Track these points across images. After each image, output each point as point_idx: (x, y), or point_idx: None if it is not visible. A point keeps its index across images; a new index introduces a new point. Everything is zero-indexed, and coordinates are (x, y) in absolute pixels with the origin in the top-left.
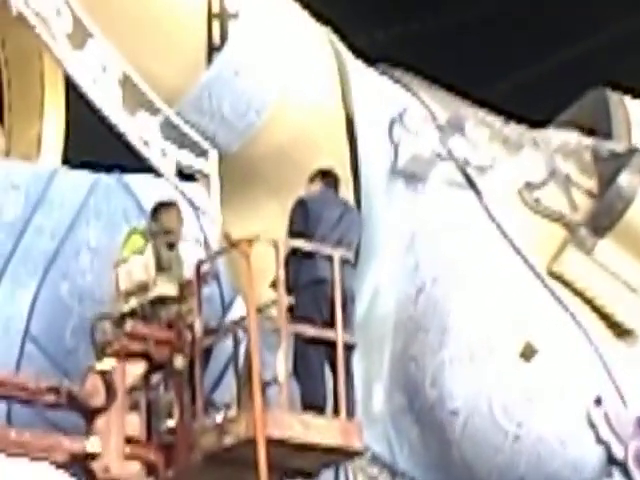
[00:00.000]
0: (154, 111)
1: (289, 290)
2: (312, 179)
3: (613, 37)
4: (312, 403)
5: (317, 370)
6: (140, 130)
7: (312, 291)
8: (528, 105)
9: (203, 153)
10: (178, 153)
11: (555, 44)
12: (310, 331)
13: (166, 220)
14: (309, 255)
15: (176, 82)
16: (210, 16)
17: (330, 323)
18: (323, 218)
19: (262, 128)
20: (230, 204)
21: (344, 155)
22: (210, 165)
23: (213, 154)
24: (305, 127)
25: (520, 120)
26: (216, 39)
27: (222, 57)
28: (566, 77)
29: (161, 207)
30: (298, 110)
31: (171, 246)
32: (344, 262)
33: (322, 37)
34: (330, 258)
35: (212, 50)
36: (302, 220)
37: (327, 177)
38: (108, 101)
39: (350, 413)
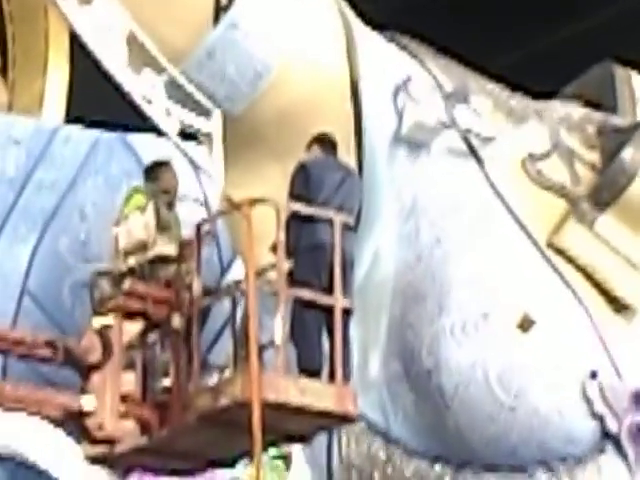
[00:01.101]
0: (159, 70)
1: (289, 254)
2: (309, 145)
3: (622, 11)
4: (308, 367)
5: (314, 334)
6: (144, 89)
7: (312, 256)
8: (534, 77)
9: (207, 114)
10: (182, 113)
11: (564, 17)
12: (308, 295)
13: (165, 179)
14: (310, 219)
15: (182, 41)
16: None
17: (329, 288)
18: (325, 182)
19: (266, 91)
20: (232, 166)
21: (348, 120)
22: (213, 126)
23: (217, 115)
24: (310, 91)
25: (525, 92)
26: None
27: (228, 17)
28: (573, 50)
29: (158, 166)
30: (303, 74)
31: (170, 205)
32: (345, 227)
33: (329, 1)
34: (331, 223)
35: (219, 10)
36: (303, 184)
37: (324, 143)
38: (113, 58)
39: (346, 378)
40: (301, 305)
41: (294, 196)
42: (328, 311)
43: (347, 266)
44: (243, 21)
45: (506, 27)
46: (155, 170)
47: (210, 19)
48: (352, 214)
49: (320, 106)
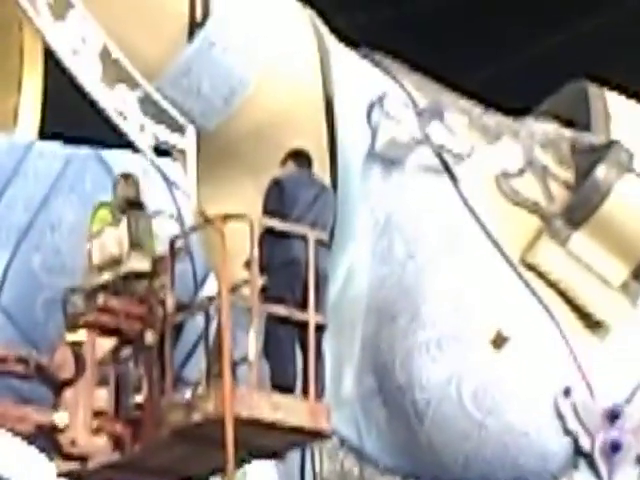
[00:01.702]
0: (133, 85)
1: (262, 270)
2: (284, 161)
3: (597, 27)
4: (281, 383)
5: (288, 350)
6: (118, 104)
7: (285, 271)
8: (508, 94)
9: (181, 130)
10: (156, 128)
11: (537, 33)
12: (282, 311)
13: (122, 190)
14: (284, 235)
15: (156, 57)
16: None
17: (302, 304)
18: (299, 198)
19: (241, 107)
20: (207, 182)
21: (322, 136)
22: (187, 142)
23: (191, 131)
24: (284, 107)
25: (499, 109)
26: (198, 15)
27: (203, 33)
28: (547, 67)
29: (119, 179)
30: (278, 90)
31: (138, 221)
32: (319, 243)
33: (304, 17)
34: (305, 239)
35: (194, 26)
36: (277, 200)
37: (299, 158)
38: (87, 73)
39: (319, 395)
40: (275, 321)
41: (268, 212)
42: (302, 327)
43: (321, 282)
44: (218, 37)
45: (479, 43)
46: (117, 183)
47: (185, 35)
48: (326, 230)
49: (295, 122)
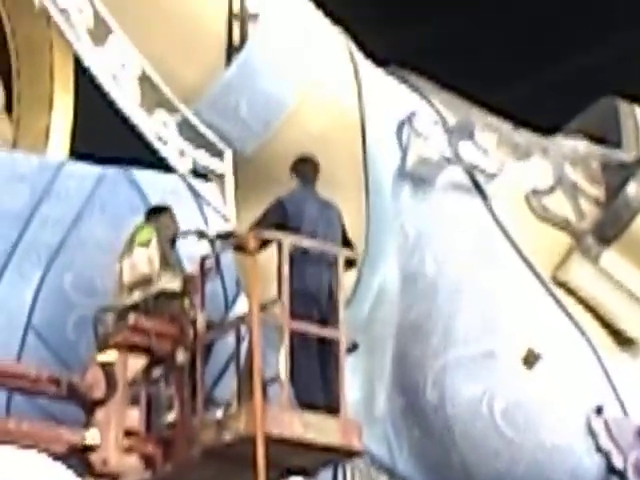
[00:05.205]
0: (172, 110)
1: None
2: (292, 168)
3: (628, 46)
4: (308, 401)
5: (312, 369)
6: (158, 128)
7: (303, 295)
8: (538, 112)
9: (219, 153)
10: (195, 153)
11: (568, 50)
12: (312, 329)
13: (165, 224)
14: (303, 259)
15: (195, 81)
16: (230, 16)
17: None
18: (305, 214)
19: (278, 130)
20: (244, 205)
21: (358, 157)
22: (225, 166)
23: (228, 155)
24: (321, 130)
25: (529, 126)
26: (236, 39)
27: (241, 58)
28: (578, 85)
29: (158, 212)
30: (316, 113)
31: (173, 242)
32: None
33: (339, 39)
34: (328, 259)
35: (232, 50)
36: (281, 218)
37: (305, 168)
38: (127, 99)
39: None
40: (297, 339)
41: (270, 225)
42: (322, 345)
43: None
44: (255, 61)
45: (510, 61)
46: (155, 215)
47: (223, 59)
48: (337, 244)
49: (332, 144)
